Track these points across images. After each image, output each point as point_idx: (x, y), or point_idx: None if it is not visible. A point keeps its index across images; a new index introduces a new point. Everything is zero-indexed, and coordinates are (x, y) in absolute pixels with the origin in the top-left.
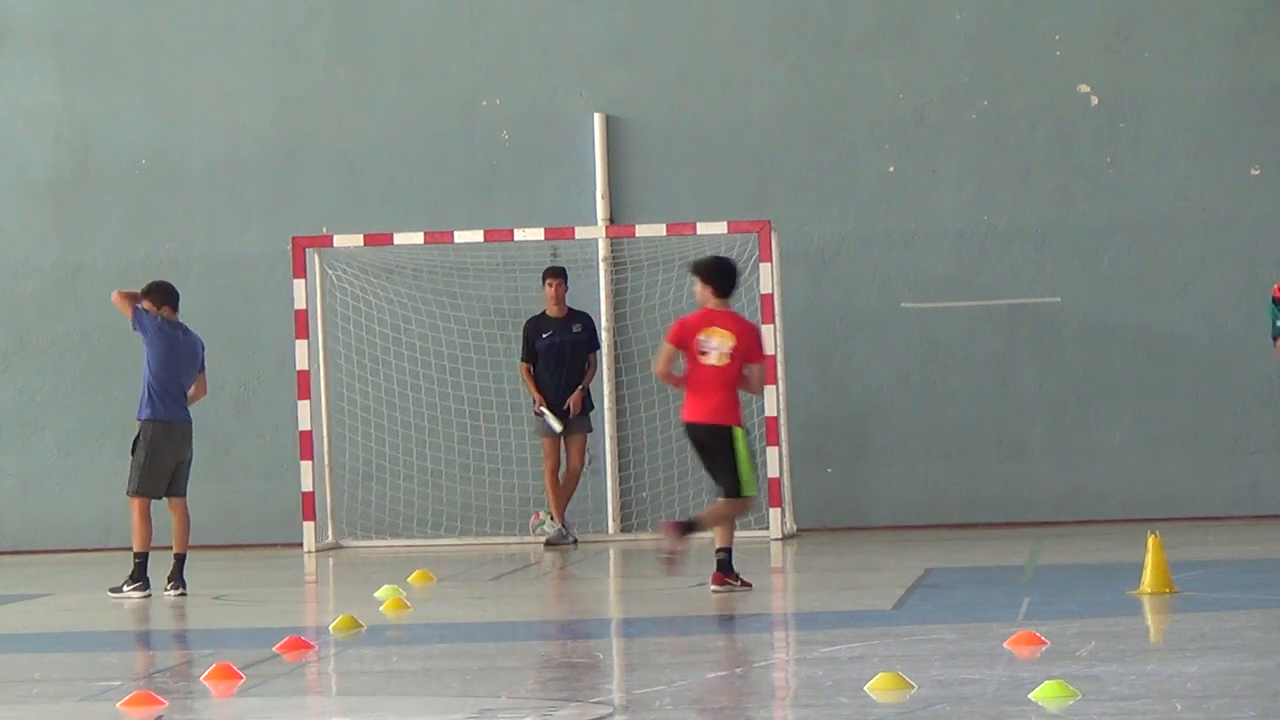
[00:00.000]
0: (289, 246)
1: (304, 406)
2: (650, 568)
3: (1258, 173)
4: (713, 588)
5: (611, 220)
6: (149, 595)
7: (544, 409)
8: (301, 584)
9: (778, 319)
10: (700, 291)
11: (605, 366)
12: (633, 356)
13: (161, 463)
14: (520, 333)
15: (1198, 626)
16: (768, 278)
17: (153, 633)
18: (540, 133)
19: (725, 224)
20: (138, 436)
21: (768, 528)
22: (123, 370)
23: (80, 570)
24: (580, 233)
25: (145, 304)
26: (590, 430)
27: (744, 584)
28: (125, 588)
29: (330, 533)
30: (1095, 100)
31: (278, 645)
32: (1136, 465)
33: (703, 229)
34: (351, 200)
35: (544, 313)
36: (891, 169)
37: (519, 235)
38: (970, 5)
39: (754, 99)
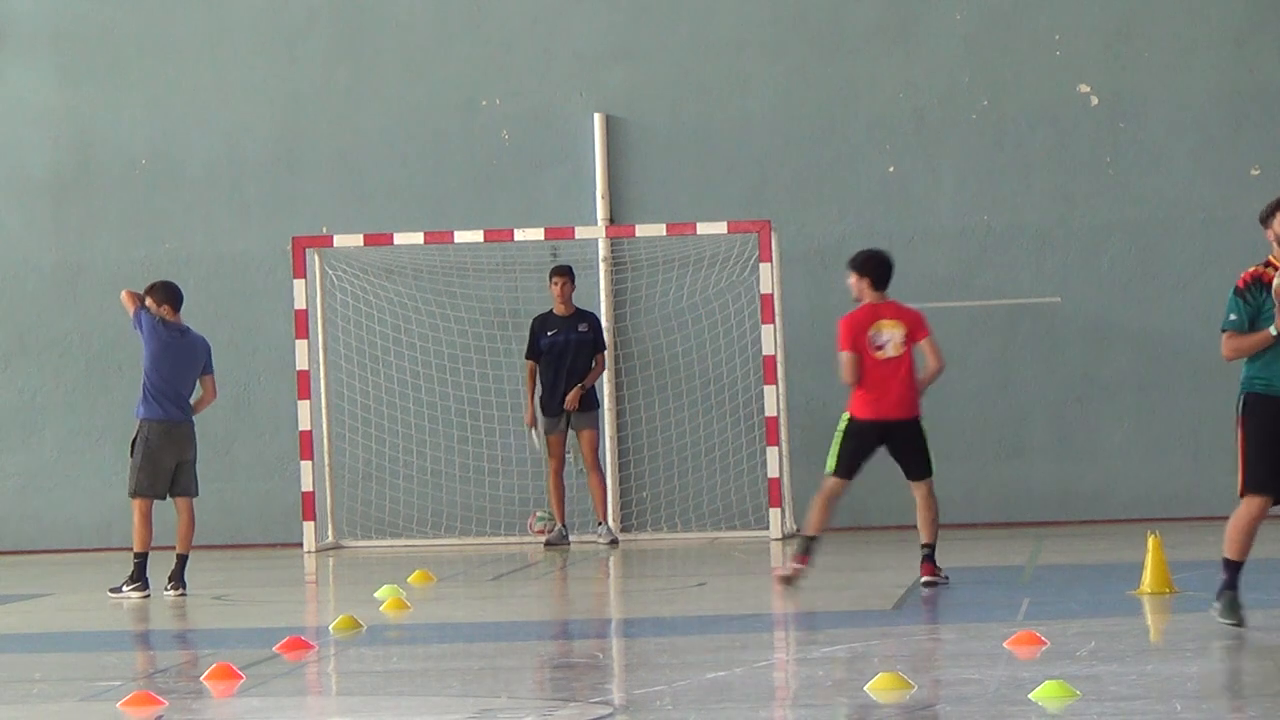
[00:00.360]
0: (289, 246)
1: (304, 406)
2: (650, 568)
3: (1258, 173)
4: (923, 579)
5: (611, 220)
6: (148, 595)
7: (531, 427)
8: (301, 584)
9: (778, 319)
10: (857, 285)
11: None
12: (633, 357)
13: (159, 463)
14: (520, 332)
15: (1198, 626)
16: (768, 278)
17: (153, 633)
18: (540, 133)
19: (725, 224)
20: (135, 437)
21: (768, 528)
22: (123, 370)
23: (80, 570)
24: (580, 233)
25: (148, 301)
26: (596, 427)
27: (944, 577)
28: (124, 588)
29: (330, 533)
30: (1095, 100)
31: (278, 645)
32: (1136, 465)
33: (703, 229)
34: (351, 200)
35: (551, 311)
36: (891, 169)
37: (519, 235)
38: (970, 5)
39: (754, 99)
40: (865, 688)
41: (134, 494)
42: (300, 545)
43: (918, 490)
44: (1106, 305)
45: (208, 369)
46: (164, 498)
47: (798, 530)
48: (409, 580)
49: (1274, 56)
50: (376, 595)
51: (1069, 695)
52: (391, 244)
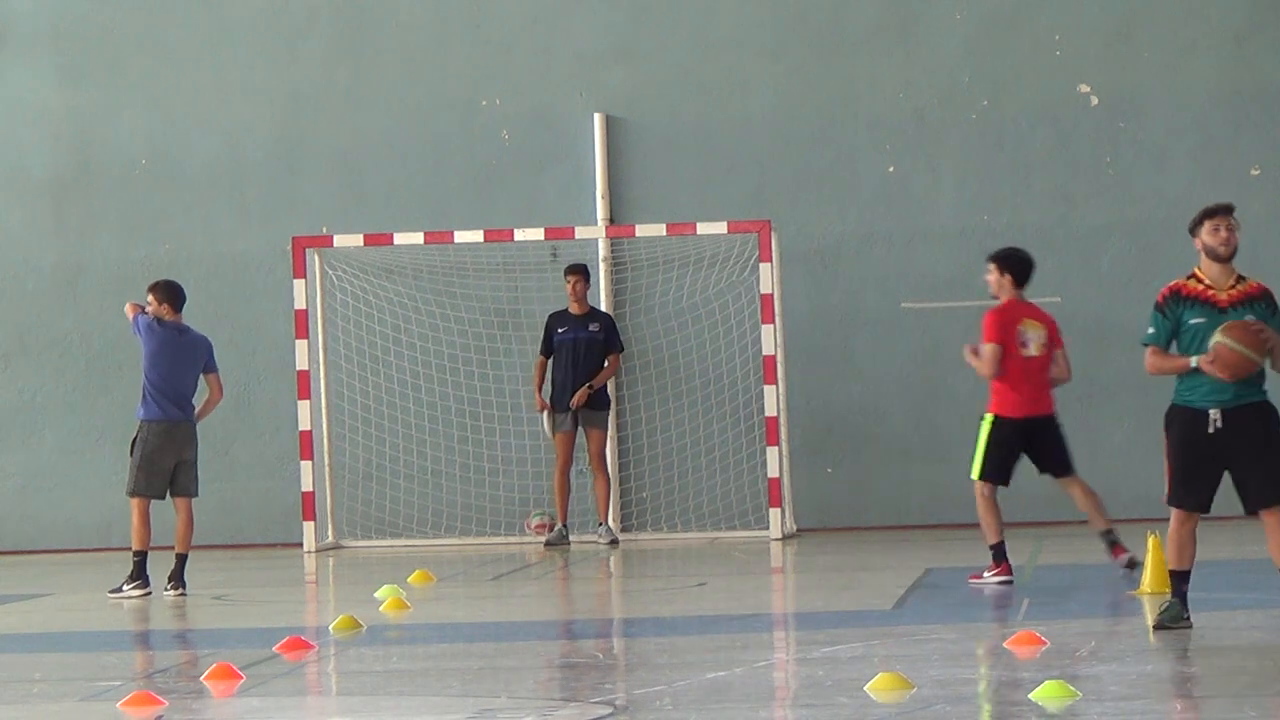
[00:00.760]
0: (289, 246)
1: (304, 406)
2: (650, 568)
3: (1258, 173)
4: (1123, 562)
5: (611, 220)
6: (148, 594)
7: (543, 411)
8: (301, 584)
9: (778, 319)
10: (997, 281)
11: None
12: (633, 357)
13: (157, 463)
14: (520, 332)
15: (1198, 626)
16: (768, 278)
17: (153, 633)
18: (540, 133)
19: (725, 224)
20: (135, 437)
21: (768, 527)
22: (123, 370)
23: (80, 570)
24: (580, 233)
25: (149, 299)
26: (605, 428)
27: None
28: (125, 586)
29: (330, 533)
30: (1095, 100)
31: (278, 645)
32: (1136, 465)
33: (703, 229)
34: (351, 200)
35: (565, 309)
36: (891, 169)
37: (519, 235)
38: (970, 5)
39: (754, 99)
40: (865, 688)
41: (131, 493)
42: (300, 545)
43: (1071, 485)
44: (1106, 305)
45: (210, 367)
46: (162, 497)
47: (798, 530)
48: (409, 580)
49: (1274, 56)
50: (376, 595)
51: (1069, 695)
52: (391, 244)
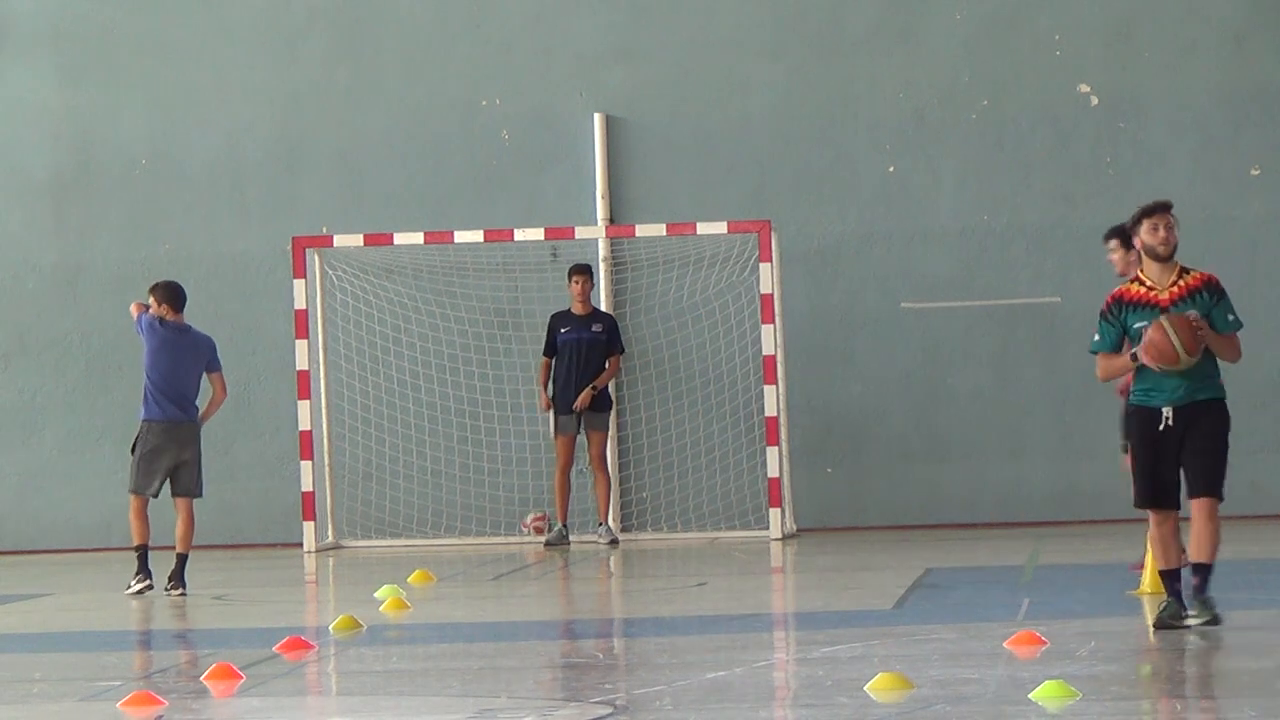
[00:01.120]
0: (289, 246)
1: (304, 406)
2: (650, 568)
3: (1258, 173)
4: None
5: (611, 220)
6: (150, 585)
7: (548, 410)
8: (301, 584)
9: (778, 319)
10: (1124, 259)
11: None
12: (633, 357)
13: (155, 462)
14: (520, 332)
15: (1198, 626)
16: (768, 278)
17: (153, 633)
18: (540, 133)
19: (725, 224)
20: (136, 435)
21: (768, 527)
22: (123, 370)
23: (80, 570)
24: (580, 233)
25: (150, 300)
26: (606, 429)
27: None
28: (132, 582)
29: (330, 533)
30: (1095, 100)
31: (278, 645)
32: None
33: (703, 229)
34: (351, 200)
35: (568, 309)
36: (891, 169)
37: (519, 235)
38: (970, 5)
39: (754, 99)
40: (865, 688)
41: (129, 490)
42: (300, 545)
43: None
44: None
45: (214, 367)
46: (157, 496)
47: (798, 530)
48: (409, 580)
49: (1274, 56)
50: (376, 595)
51: (1069, 695)
52: (391, 244)
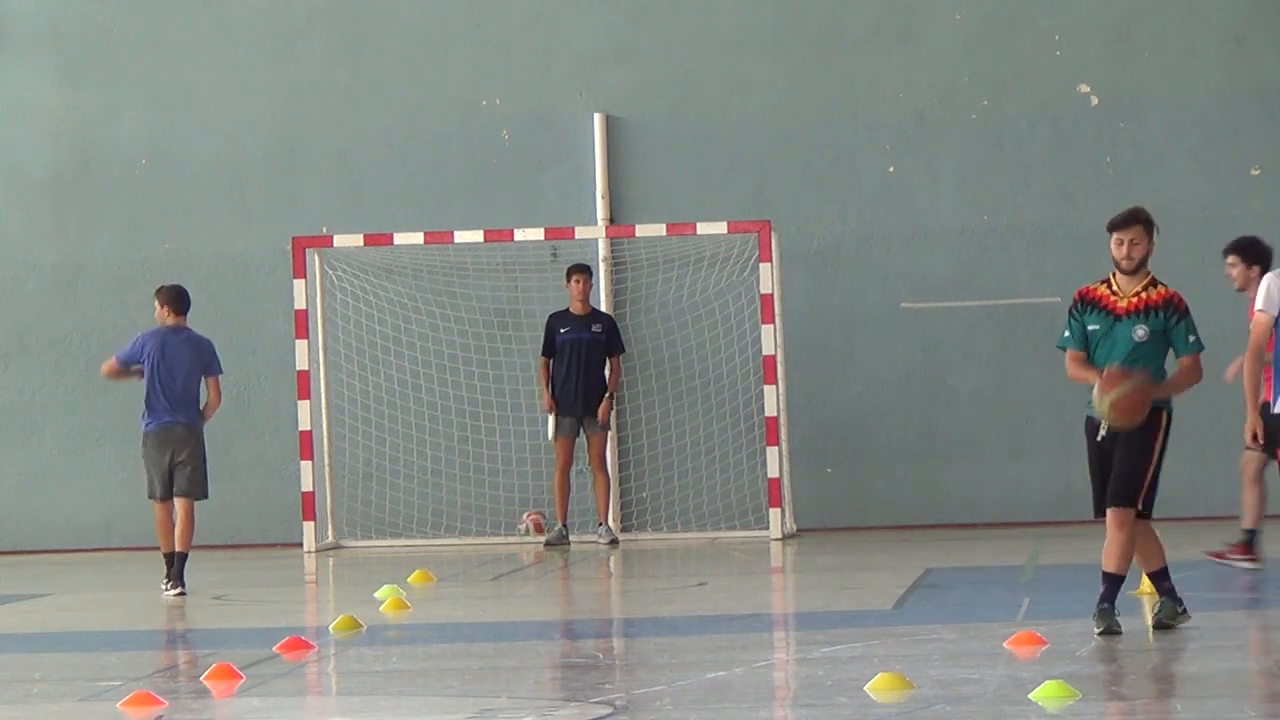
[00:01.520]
0: (289, 246)
1: (304, 406)
2: (650, 568)
3: (1258, 173)
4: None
5: (611, 220)
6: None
7: (550, 412)
8: (301, 584)
9: (778, 319)
10: (1244, 275)
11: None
12: (633, 357)
13: (156, 464)
14: (520, 332)
15: (1198, 626)
16: (768, 278)
17: (153, 633)
18: (540, 133)
19: (725, 224)
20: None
21: (768, 527)
22: None
23: (80, 570)
24: (580, 233)
25: (155, 303)
26: (606, 429)
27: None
28: (163, 586)
29: (330, 533)
30: (1095, 100)
31: (278, 645)
32: None
33: (703, 229)
34: (351, 200)
35: (567, 309)
36: (891, 169)
37: (519, 235)
38: (970, 5)
39: (754, 99)
40: (865, 688)
41: (149, 496)
42: (300, 545)
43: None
44: None
45: (212, 370)
46: (168, 498)
47: (798, 530)
48: (409, 580)
49: (1274, 56)
50: (376, 595)
51: (1069, 695)
52: (391, 244)
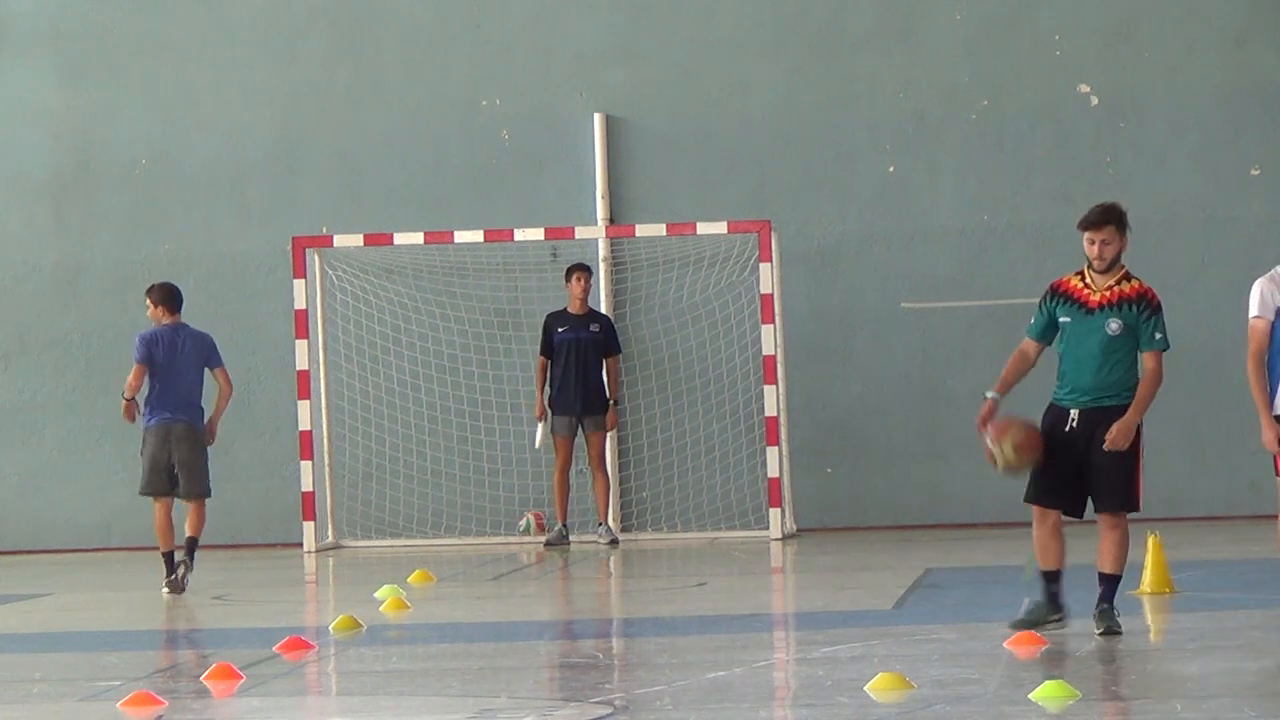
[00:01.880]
0: (289, 246)
1: (304, 406)
2: (650, 568)
3: (1258, 173)
4: None
5: (611, 220)
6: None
7: (541, 420)
8: (301, 584)
9: (778, 319)
10: None
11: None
12: (633, 357)
13: (155, 459)
14: (520, 332)
15: (1198, 626)
16: (768, 278)
17: (153, 633)
18: (540, 133)
19: (725, 224)
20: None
21: (768, 527)
22: (123, 370)
23: (80, 570)
24: (580, 233)
25: (147, 301)
26: (606, 429)
27: None
28: (164, 584)
29: (330, 533)
30: (1095, 100)
31: (278, 645)
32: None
33: (703, 229)
34: (351, 200)
35: (565, 309)
36: (891, 169)
37: (519, 235)
38: (970, 5)
39: (754, 99)
40: (865, 688)
41: (140, 492)
42: (300, 545)
43: None
44: None
45: (214, 362)
46: (168, 493)
47: (798, 530)
48: (409, 580)
49: (1274, 56)
50: (376, 595)
51: (1069, 695)
52: (391, 244)
